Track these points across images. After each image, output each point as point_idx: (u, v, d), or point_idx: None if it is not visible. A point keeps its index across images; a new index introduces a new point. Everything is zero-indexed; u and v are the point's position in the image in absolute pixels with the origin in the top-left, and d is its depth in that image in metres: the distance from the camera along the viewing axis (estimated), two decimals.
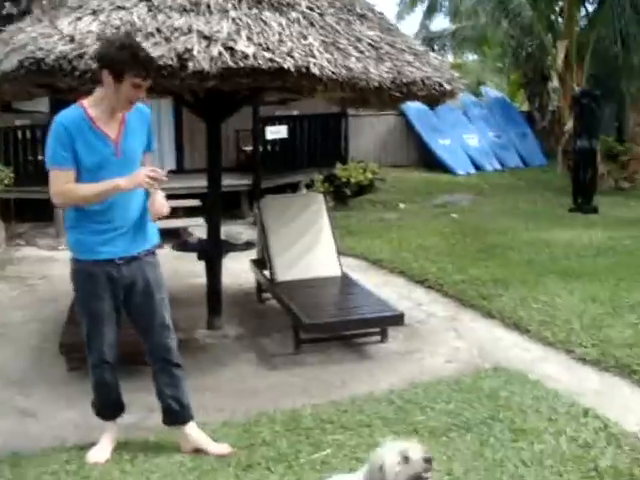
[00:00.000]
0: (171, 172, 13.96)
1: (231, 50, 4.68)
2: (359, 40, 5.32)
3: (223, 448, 4.25)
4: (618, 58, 16.23)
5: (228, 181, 12.32)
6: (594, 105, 13.56)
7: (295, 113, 14.48)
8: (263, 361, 5.97)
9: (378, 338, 6.27)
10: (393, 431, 4.41)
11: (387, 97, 5.34)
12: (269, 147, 13.59)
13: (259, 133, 13.08)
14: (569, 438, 4.31)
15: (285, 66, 4.66)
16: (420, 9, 26.32)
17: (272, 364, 5.90)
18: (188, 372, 4.58)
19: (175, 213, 11.70)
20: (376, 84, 5.02)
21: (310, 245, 7.22)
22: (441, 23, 32.00)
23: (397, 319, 6.03)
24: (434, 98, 5.74)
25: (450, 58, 28.19)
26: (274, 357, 6.04)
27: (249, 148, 13.75)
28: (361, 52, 5.18)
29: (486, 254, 9.23)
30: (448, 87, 5.53)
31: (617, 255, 9.25)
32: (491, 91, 23.54)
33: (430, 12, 25.85)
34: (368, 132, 19.10)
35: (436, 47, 22.56)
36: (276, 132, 13.07)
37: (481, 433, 4.38)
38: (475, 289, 7.56)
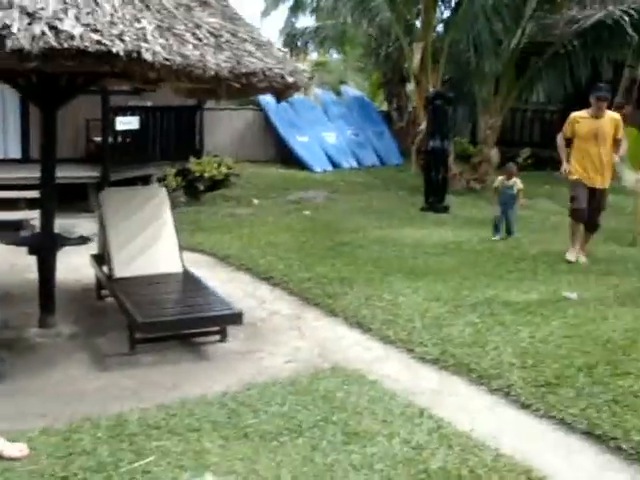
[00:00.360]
0: (16, 161, 13.42)
1: (56, 30, 4.34)
2: (198, 27, 5.08)
3: (19, 449, 3.96)
4: (471, 63, 16.58)
5: (76, 172, 11.91)
6: (447, 107, 13.78)
7: (149, 104, 14.05)
8: (95, 362, 5.67)
9: (218, 337, 6.07)
10: (222, 436, 4.24)
11: (226, 87, 5.12)
12: (119, 138, 13.07)
13: (109, 123, 12.60)
14: (402, 440, 4.25)
15: (114, 50, 4.36)
16: (286, 5, 26.38)
17: (104, 365, 5.61)
18: (14, 374, 4.26)
19: (16, 205, 11.19)
20: (213, 73, 4.79)
21: (151, 240, 6.93)
22: (308, 20, 32.09)
23: (235, 318, 5.85)
24: (278, 90, 5.57)
25: (315, 56, 28.47)
26: (108, 358, 5.75)
27: (99, 138, 13.22)
28: (199, 39, 4.94)
29: (335, 252, 9.16)
30: (290, 79, 5.36)
31: (463, 254, 9.38)
32: (351, 90, 23.72)
33: (295, 9, 25.90)
34: (226, 126, 18.84)
35: (299, 44, 22.56)
36: (127, 123, 12.59)
37: (313, 437, 4.25)
38: (321, 287, 7.45)
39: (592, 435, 4.50)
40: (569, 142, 9.33)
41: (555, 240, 10.44)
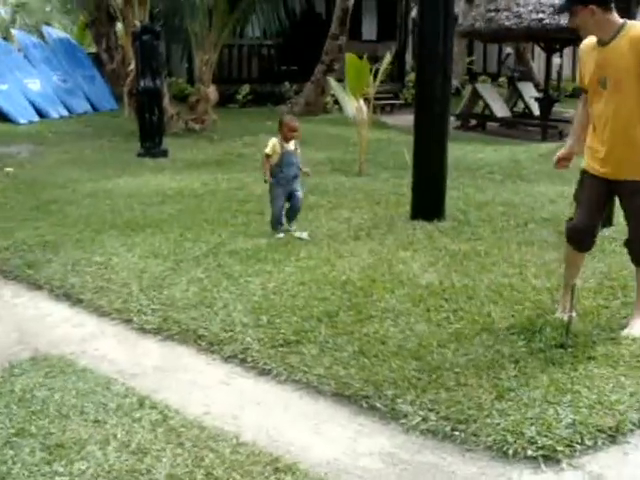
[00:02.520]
0: None
1: None
2: None
3: None
4: None
5: None
6: (156, 42, 12.81)
7: None
8: None
9: None
10: None
11: None
12: None
13: None
14: (120, 445, 3.41)
15: None
16: None
17: None
18: None
19: None
20: None
21: None
22: None
23: None
24: None
25: None
26: None
27: None
28: None
29: (40, 212, 7.97)
30: None
31: (184, 201, 8.61)
32: (54, 32, 21.83)
33: None
34: None
35: None
36: None
37: (4, 459, 3.29)
38: (20, 256, 6.31)
39: (342, 396, 3.95)
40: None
41: None
